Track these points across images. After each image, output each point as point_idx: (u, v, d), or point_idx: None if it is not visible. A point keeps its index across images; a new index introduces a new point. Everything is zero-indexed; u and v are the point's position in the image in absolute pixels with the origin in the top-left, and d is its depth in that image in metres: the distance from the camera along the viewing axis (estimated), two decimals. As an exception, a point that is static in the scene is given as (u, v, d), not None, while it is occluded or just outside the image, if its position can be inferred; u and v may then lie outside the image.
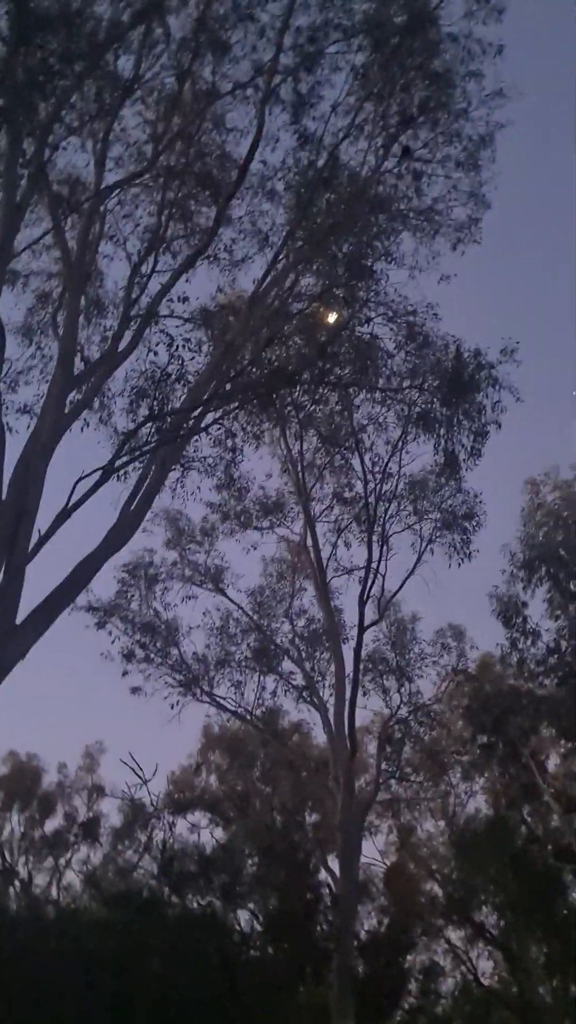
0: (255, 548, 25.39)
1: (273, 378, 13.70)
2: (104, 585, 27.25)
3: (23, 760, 38.16)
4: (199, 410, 13.67)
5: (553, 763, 29.49)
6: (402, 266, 17.96)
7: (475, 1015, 31.13)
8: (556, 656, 26.04)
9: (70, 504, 11.63)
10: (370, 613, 21.55)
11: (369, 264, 17.10)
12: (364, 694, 26.13)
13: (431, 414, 17.04)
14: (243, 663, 24.90)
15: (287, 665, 25.48)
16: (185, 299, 15.44)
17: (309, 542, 22.75)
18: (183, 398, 13.90)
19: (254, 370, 14.06)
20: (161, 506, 24.99)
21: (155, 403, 13.24)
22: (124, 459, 12.52)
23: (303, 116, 17.07)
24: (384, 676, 26.82)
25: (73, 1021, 16.27)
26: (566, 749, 28.90)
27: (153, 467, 13.82)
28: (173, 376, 13.47)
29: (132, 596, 25.18)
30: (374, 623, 21.48)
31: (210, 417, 14.19)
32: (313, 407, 19.52)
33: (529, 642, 26.29)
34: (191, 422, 13.80)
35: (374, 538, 19.98)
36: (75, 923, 21.11)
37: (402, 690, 26.72)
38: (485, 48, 17.72)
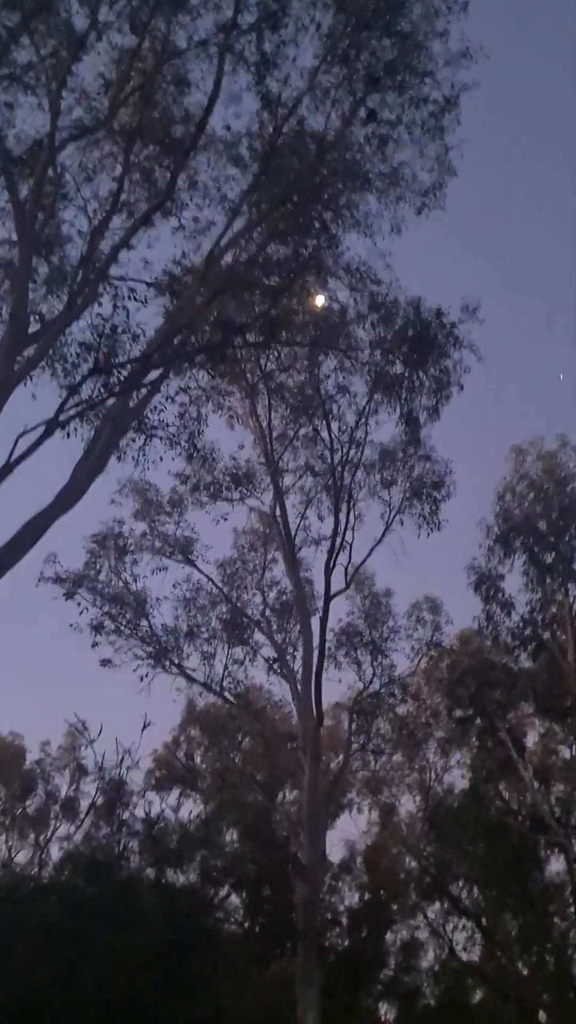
0: (225, 519, 25.16)
1: (222, 329, 13.38)
2: (73, 557, 26.95)
3: (6, 739, 38.01)
4: (150, 368, 13.37)
5: (532, 740, 29.45)
6: (366, 232, 17.61)
7: (452, 989, 31.24)
8: (531, 628, 26.01)
9: (11, 459, 11.37)
10: (339, 583, 21.34)
11: (331, 229, 16.80)
12: (338, 668, 26.18)
13: (391, 375, 16.71)
14: (213, 635, 24.69)
15: (258, 637, 25.43)
16: (146, 262, 15.19)
17: (278, 513, 22.53)
18: (136, 355, 13.63)
19: (206, 327, 13.75)
20: (129, 477, 24.85)
21: (99, 356, 12.93)
22: (69, 413, 12.25)
23: (267, 76, 16.74)
24: (358, 650, 26.76)
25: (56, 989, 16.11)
26: (543, 726, 28.92)
27: (106, 427, 13.57)
28: (120, 329, 13.19)
29: (101, 567, 24.92)
30: (341, 591, 21.33)
31: (161, 375, 13.84)
32: (280, 374, 19.25)
33: (505, 614, 26.31)
34: (144, 381, 13.53)
35: (341, 507, 19.76)
36: (50, 896, 20.87)
37: (376, 664, 26.70)
38: (451, 5, 17.42)
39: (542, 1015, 30.14)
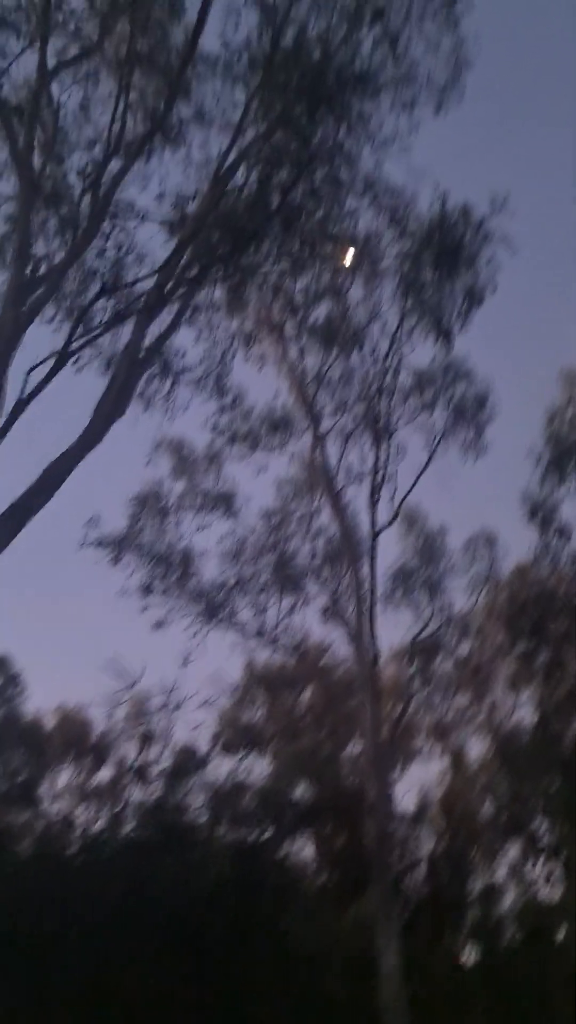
0: (265, 471, 24.59)
1: (233, 235, 12.65)
2: (113, 521, 26.63)
3: (72, 712, 38.15)
4: (163, 293, 12.75)
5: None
6: (378, 141, 16.64)
7: (535, 928, 30.74)
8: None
9: (23, 395, 10.89)
10: (385, 518, 20.62)
11: (344, 144, 15.90)
12: (395, 610, 25.57)
13: (420, 282, 15.78)
14: (264, 587, 24.18)
15: (309, 589, 24.88)
16: (160, 195, 14.54)
17: (319, 454, 21.85)
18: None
19: (216, 239, 13.02)
20: (163, 435, 24.40)
21: (106, 278, 12.34)
22: (80, 343, 11.73)
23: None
24: (413, 591, 26.11)
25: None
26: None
27: (124, 365, 13.02)
28: (125, 249, 12.59)
29: (144, 528, 24.52)
30: (387, 525, 20.55)
31: (177, 302, 13.19)
32: (308, 306, 18.44)
33: (564, 541, 25.38)
34: (159, 307, 12.90)
35: (382, 437, 19.01)
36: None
37: (432, 604, 26.04)
38: None
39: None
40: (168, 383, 16.95)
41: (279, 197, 13.42)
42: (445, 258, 15.10)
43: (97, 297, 12.11)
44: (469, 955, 30.63)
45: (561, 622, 26.26)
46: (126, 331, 13.40)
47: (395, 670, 30.00)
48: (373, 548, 19.33)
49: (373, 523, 19.38)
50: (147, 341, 13.96)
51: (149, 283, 13.07)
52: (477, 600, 26.54)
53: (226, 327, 19.29)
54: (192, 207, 13.76)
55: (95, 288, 12.53)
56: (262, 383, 24.45)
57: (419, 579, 26.07)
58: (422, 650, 26.04)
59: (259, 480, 24.52)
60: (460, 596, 27.97)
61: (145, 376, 17.01)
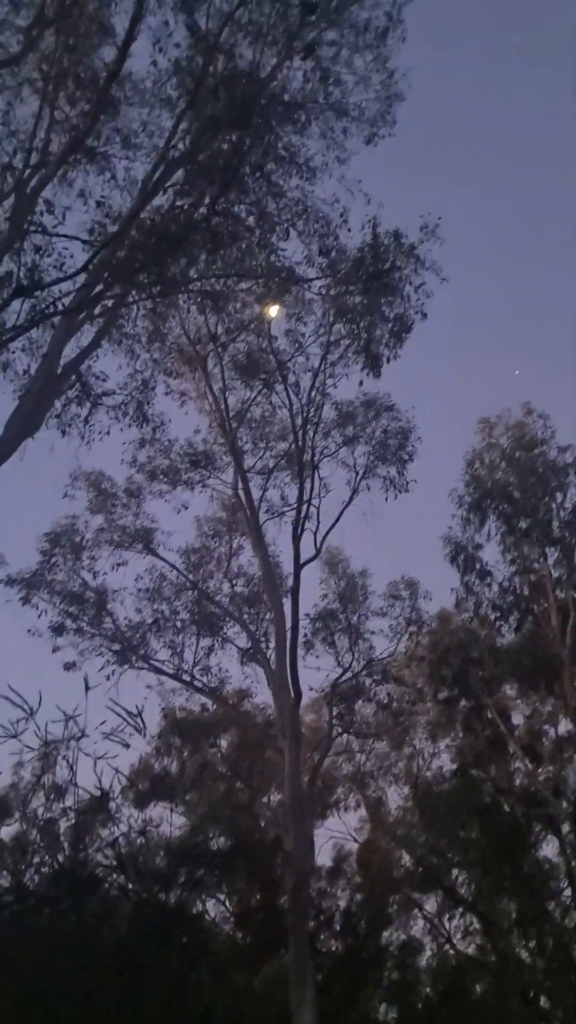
0: (186, 508, 24.00)
1: (158, 240, 12.19)
2: (25, 558, 25.61)
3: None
4: (81, 303, 12.16)
5: (519, 719, 28.42)
6: (307, 175, 16.48)
7: (453, 983, 30.06)
8: (511, 597, 25.00)
9: None
10: (308, 552, 20.18)
11: (270, 175, 15.67)
12: (315, 656, 25.06)
13: (348, 307, 15.49)
14: (181, 627, 23.44)
15: (228, 631, 24.25)
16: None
17: (240, 488, 21.37)
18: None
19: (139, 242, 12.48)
20: (81, 469, 23.69)
21: (22, 278, 11.70)
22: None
23: (196, 11, 15.66)
24: (334, 635, 25.67)
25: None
26: (529, 706, 27.91)
27: (39, 378, 12.38)
28: (44, 251, 12.01)
29: (57, 566, 23.57)
30: (311, 559, 20.09)
31: (99, 303, 12.58)
32: (230, 340, 18.06)
33: (485, 585, 25.31)
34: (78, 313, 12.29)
35: (305, 471, 18.63)
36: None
37: (354, 648, 25.62)
38: None
39: (544, 1001, 29.12)
40: (87, 407, 16.30)
41: (204, 214, 13.01)
42: (374, 283, 14.85)
43: (11, 297, 11.46)
44: (386, 1013, 29.76)
45: (482, 668, 26.05)
46: (44, 348, 12.79)
47: (315, 716, 29.42)
48: (296, 582, 18.84)
49: (296, 557, 18.89)
50: (65, 359, 13.39)
51: (69, 289, 12.49)
52: (398, 645, 26.17)
53: (147, 358, 18.82)
54: (114, 217, 13.27)
55: (6, 283, 11.84)
56: (183, 420, 24.15)
57: (340, 623, 25.71)
58: (342, 696, 25.49)
59: (180, 517, 24.00)
60: (382, 641, 27.78)
61: (63, 399, 16.46)
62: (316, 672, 24.89)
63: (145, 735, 16.69)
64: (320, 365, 17.94)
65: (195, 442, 23.03)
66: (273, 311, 17.35)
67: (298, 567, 18.93)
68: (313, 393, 18.26)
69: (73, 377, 14.92)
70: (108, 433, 18.05)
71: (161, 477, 23.51)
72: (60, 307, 12.00)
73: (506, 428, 25.81)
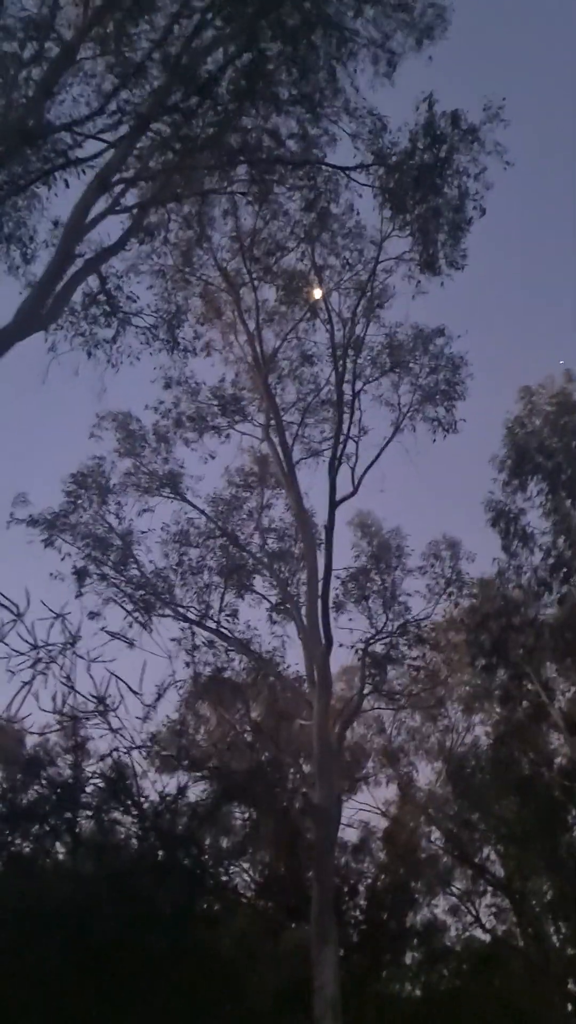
0: (213, 457, 22.82)
1: (185, 83, 10.88)
2: (48, 498, 24.61)
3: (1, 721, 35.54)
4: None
5: (560, 692, 26.99)
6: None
7: (478, 967, 28.89)
8: (556, 562, 23.58)
9: None
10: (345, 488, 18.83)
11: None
12: (349, 619, 23.87)
13: (403, 193, 14.00)
14: (210, 575, 22.34)
15: (259, 583, 23.12)
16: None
17: (273, 425, 20.12)
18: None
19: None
20: (108, 408, 22.68)
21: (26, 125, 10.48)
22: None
23: None
24: (368, 597, 24.47)
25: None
26: (570, 676, 26.49)
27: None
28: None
29: (82, 508, 22.55)
30: (348, 496, 18.79)
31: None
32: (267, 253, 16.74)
33: (528, 549, 23.96)
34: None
35: (344, 396, 17.36)
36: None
37: (389, 610, 24.39)
38: None
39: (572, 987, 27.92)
40: (115, 325, 15.22)
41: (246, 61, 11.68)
42: (429, 169, 13.48)
43: (19, 143, 10.26)
44: (410, 991, 28.67)
45: (523, 637, 24.70)
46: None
47: (345, 685, 28.21)
48: (331, 519, 17.57)
49: (332, 492, 17.65)
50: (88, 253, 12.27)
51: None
52: (435, 607, 24.90)
53: (178, 279, 17.64)
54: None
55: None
56: (210, 369, 22.75)
57: (374, 584, 24.53)
58: (374, 659, 24.25)
59: (208, 468, 22.97)
60: (419, 602, 26.45)
61: (89, 317, 15.48)
62: (348, 634, 23.75)
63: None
64: (368, 278, 16.60)
65: (224, 387, 21.99)
66: (317, 222, 16.02)
67: (333, 504, 17.72)
68: (357, 311, 16.93)
69: (98, 284, 13.84)
70: (138, 358, 17.00)
71: (187, 424, 22.41)
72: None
73: (549, 395, 24.52)
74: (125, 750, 13.83)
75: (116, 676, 14.11)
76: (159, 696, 14.36)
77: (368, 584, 24.53)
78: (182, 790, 15.20)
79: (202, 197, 14.92)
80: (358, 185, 14.72)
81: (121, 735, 13.45)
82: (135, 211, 12.63)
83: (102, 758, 14.29)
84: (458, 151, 13.59)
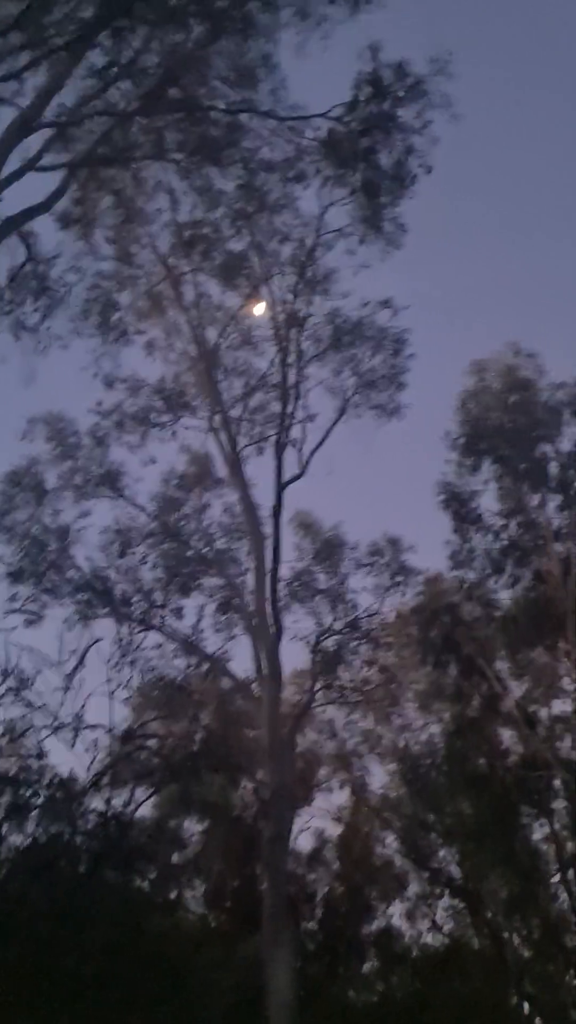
0: (154, 461, 22.19)
1: None
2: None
3: None
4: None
5: (515, 681, 26.67)
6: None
7: (438, 971, 28.34)
8: (509, 545, 23.35)
9: None
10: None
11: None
12: (294, 621, 23.28)
13: (345, 147, 13.49)
14: (153, 573, 21.62)
15: (205, 580, 22.42)
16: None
17: (216, 417, 19.57)
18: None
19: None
20: (44, 408, 21.96)
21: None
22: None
23: None
24: (314, 597, 23.91)
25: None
26: (526, 664, 26.19)
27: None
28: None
29: (17, 510, 21.74)
30: (296, 478, 18.28)
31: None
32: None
33: (480, 533, 23.71)
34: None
35: (288, 379, 16.87)
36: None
37: (336, 609, 23.88)
38: None
39: (531, 986, 27.51)
40: (43, 305, 14.57)
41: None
42: (373, 121, 13.02)
43: None
44: (368, 995, 28.03)
45: (475, 629, 24.39)
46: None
47: (295, 688, 27.61)
48: (278, 502, 17.01)
49: (279, 473, 17.15)
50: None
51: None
52: (383, 603, 24.44)
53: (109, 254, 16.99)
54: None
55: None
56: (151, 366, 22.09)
57: (318, 583, 24.01)
58: (325, 660, 23.70)
59: (149, 471, 22.15)
60: (367, 598, 25.93)
61: (19, 294, 14.78)
62: (297, 634, 23.14)
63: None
64: (309, 254, 16.12)
65: (166, 383, 21.36)
66: (254, 200, 15.50)
67: (280, 486, 17.20)
68: (298, 289, 16.48)
69: (25, 253, 13.17)
70: (67, 347, 16.34)
71: (130, 424, 21.75)
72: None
73: (497, 371, 24.34)
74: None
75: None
76: (79, 664, 13.45)
77: (312, 583, 24.03)
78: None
79: (135, 168, 14.31)
80: (296, 152, 14.29)
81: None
82: (64, 171, 12.01)
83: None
84: (403, 104, 13.23)
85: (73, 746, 15.81)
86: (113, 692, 20.39)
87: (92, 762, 18.34)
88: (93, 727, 14.72)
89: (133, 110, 12.14)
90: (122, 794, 22.67)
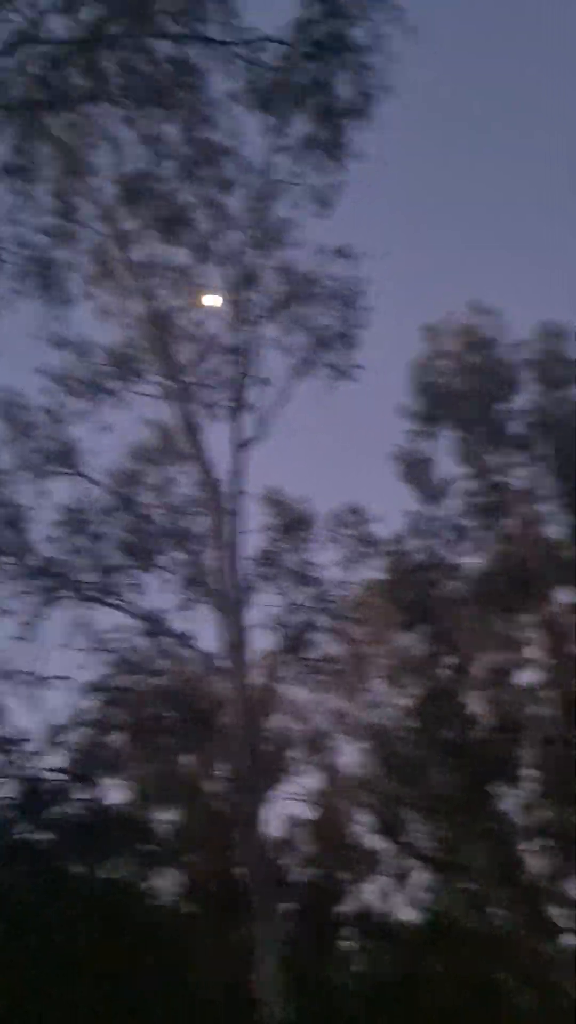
0: (109, 430, 21.37)
1: None
2: None
3: None
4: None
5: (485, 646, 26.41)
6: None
7: (415, 951, 28.10)
8: (473, 511, 23.06)
9: None
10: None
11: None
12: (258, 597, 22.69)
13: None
14: (113, 550, 20.93)
15: (167, 555, 21.75)
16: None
17: (170, 382, 18.87)
18: None
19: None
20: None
21: None
22: None
23: None
24: (279, 574, 23.36)
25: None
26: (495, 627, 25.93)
27: None
28: None
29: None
30: (251, 440, 17.64)
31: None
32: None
33: (442, 502, 23.40)
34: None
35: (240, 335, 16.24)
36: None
37: (302, 585, 23.36)
38: None
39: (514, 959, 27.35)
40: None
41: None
42: (325, 43, 12.40)
43: None
44: (355, 977, 27.82)
45: (443, 594, 24.08)
46: None
47: (264, 669, 27.16)
48: (235, 463, 16.37)
49: (237, 434, 16.49)
50: None
51: None
52: (348, 573, 24.02)
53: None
54: None
55: None
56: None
57: (284, 560, 23.48)
58: (292, 637, 23.24)
59: (105, 445, 21.37)
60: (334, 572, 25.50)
61: None
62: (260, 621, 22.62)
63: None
64: (259, 202, 15.47)
65: (117, 347, 20.60)
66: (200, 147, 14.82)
67: (237, 447, 16.57)
68: (250, 239, 15.83)
69: None
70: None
71: (80, 390, 20.92)
72: None
73: (454, 332, 23.97)
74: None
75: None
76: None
77: (278, 558, 23.50)
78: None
79: (76, 114, 13.57)
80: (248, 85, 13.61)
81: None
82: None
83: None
84: (358, 19, 12.62)
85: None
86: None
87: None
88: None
89: (71, 45, 11.43)
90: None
